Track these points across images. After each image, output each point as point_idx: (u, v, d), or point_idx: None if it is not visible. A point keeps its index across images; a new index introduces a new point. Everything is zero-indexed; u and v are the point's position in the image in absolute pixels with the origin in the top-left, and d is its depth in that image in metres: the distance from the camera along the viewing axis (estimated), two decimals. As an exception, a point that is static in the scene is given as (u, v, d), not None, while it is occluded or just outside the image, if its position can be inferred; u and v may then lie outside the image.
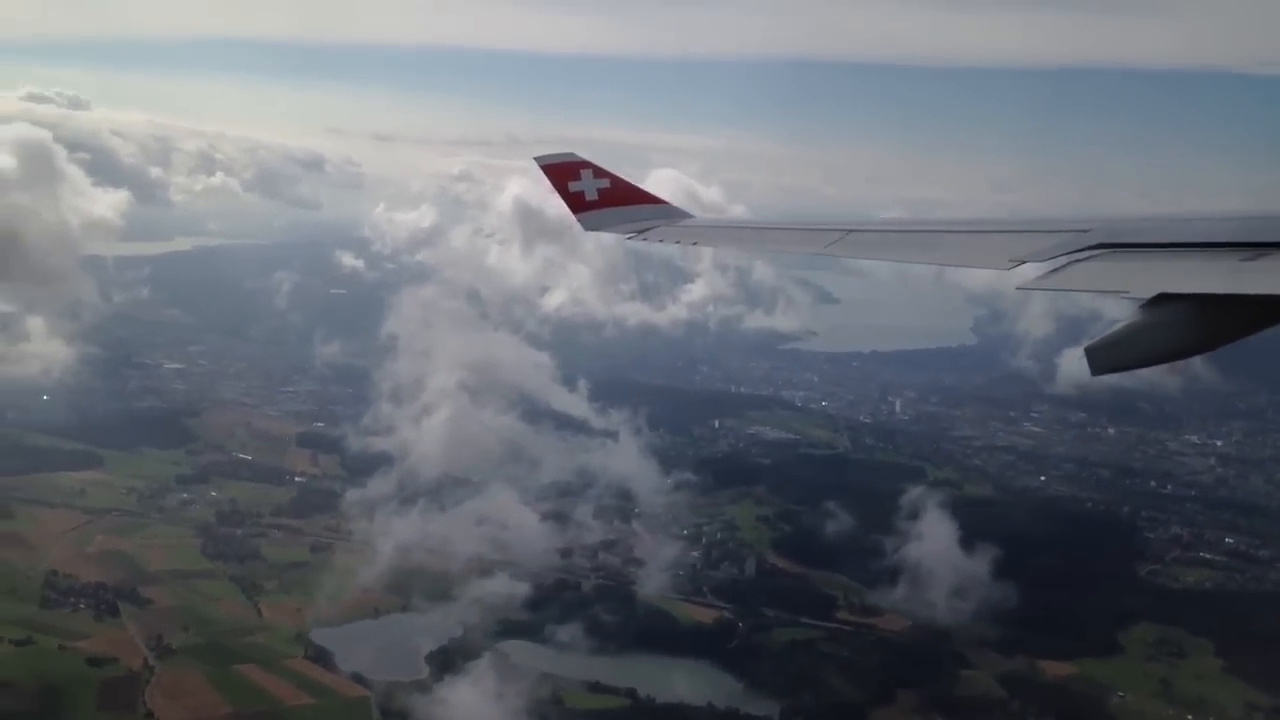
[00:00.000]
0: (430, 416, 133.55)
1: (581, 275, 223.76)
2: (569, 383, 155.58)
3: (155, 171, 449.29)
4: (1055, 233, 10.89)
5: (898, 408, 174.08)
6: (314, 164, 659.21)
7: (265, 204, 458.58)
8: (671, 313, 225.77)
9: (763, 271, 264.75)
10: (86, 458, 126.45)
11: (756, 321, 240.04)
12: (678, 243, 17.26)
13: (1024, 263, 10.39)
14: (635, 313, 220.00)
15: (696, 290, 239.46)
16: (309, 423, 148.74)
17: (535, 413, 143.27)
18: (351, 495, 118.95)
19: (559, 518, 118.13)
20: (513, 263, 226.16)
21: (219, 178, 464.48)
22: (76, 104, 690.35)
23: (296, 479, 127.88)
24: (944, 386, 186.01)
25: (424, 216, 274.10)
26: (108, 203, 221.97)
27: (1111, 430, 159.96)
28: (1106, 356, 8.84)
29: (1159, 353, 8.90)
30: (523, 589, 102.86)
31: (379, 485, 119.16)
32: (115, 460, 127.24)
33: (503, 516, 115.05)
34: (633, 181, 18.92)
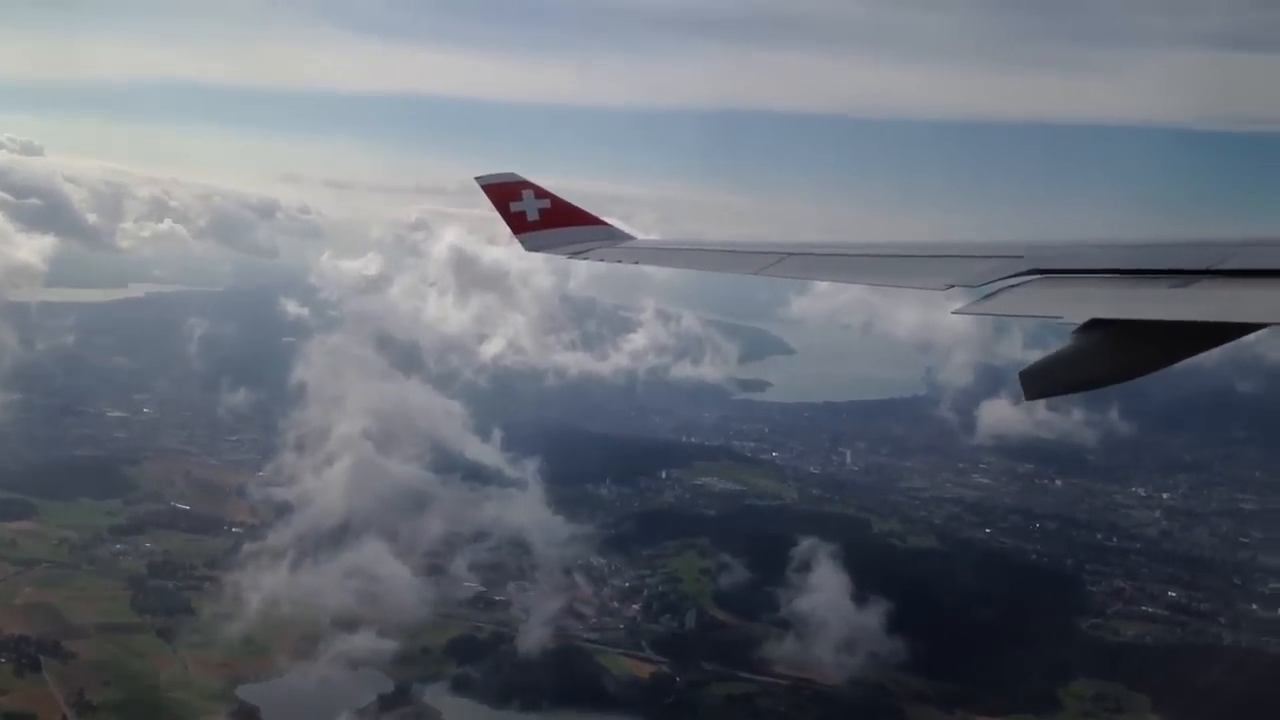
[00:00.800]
0: (334, 465, 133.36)
1: (519, 324, 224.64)
2: (508, 431, 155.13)
3: (95, 218, 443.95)
4: (989, 258, 10.92)
5: (848, 459, 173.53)
6: (269, 211, 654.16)
7: (220, 250, 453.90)
8: (614, 362, 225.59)
9: (714, 321, 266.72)
10: (20, 507, 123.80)
11: (708, 372, 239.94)
12: (619, 262, 17.17)
13: (957, 286, 10.48)
14: (576, 362, 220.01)
15: (640, 340, 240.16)
16: (250, 472, 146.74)
17: (446, 463, 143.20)
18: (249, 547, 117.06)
19: (438, 570, 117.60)
20: (451, 311, 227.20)
21: (167, 224, 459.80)
22: (29, 149, 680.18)
23: (234, 529, 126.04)
24: (895, 437, 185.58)
25: (370, 264, 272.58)
26: (32, 248, 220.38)
27: (1059, 482, 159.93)
28: (1039, 382, 9.08)
29: (1091, 378, 9.14)
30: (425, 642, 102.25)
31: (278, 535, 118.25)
32: (49, 510, 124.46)
33: (377, 569, 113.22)
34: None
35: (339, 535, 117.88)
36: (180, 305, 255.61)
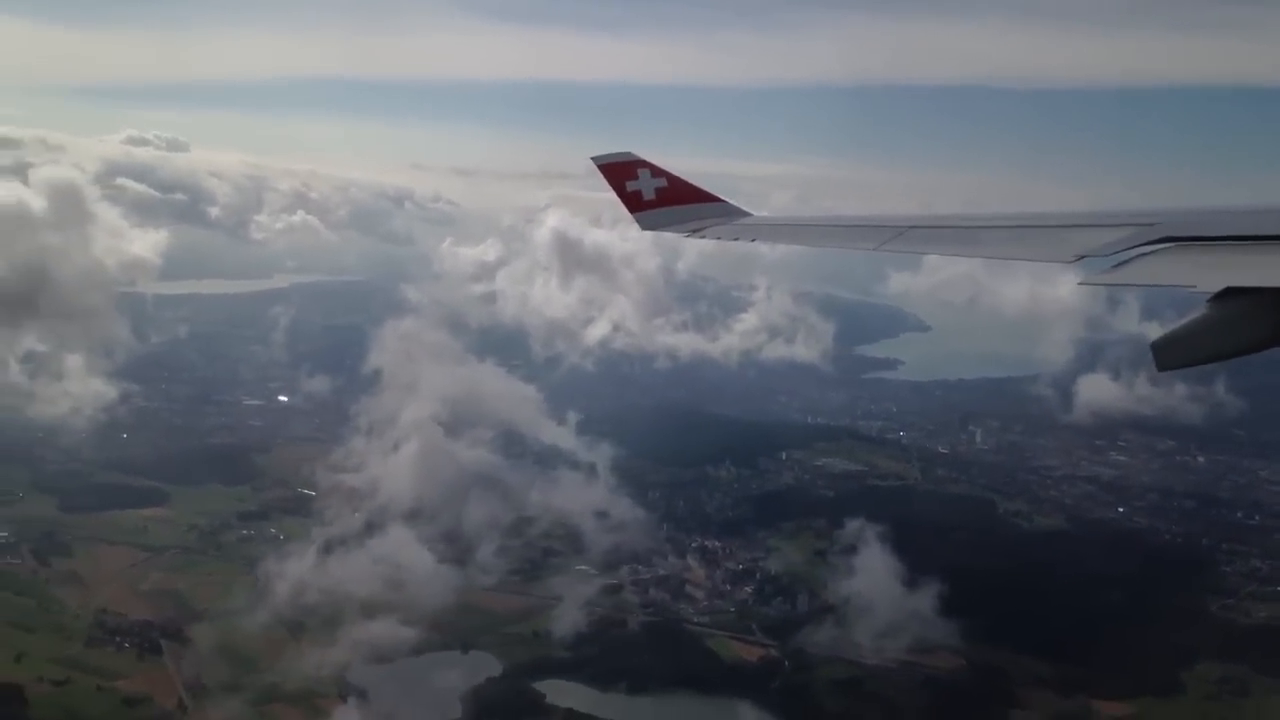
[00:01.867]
0: (408, 450, 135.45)
1: (629, 306, 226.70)
2: (617, 414, 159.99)
3: (238, 211, 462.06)
4: (1121, 226, 10.74)
5: (978, 437, 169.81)
6: (404, 200, 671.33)
7: (360, 240, 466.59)
8: (734, 343, 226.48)
9: (844, 299, 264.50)
10: (153, 494, 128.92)
11: (835, 350, 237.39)
12: (735, 239, 17.22)
13: (1087, 257, 10.34)
14: (691, 343, 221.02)
15: (760, 319, 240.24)
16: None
17: (527, 448, 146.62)
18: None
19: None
20: (560, 295, 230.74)
21: (300, 216, 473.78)
22: (175, 146, 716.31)
23: (356, 514, 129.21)
24: (1030, 414, 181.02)
25: (489, 250, 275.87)
26: (147, 243, 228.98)
27: (1201, 459, 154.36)
28: (1173, 352, 8.88)
29: (1226, 348, 8.85)
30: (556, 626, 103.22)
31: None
32: (182, 496, 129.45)
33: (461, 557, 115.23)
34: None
35: (414, 520, 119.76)
36: (318, 295, 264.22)
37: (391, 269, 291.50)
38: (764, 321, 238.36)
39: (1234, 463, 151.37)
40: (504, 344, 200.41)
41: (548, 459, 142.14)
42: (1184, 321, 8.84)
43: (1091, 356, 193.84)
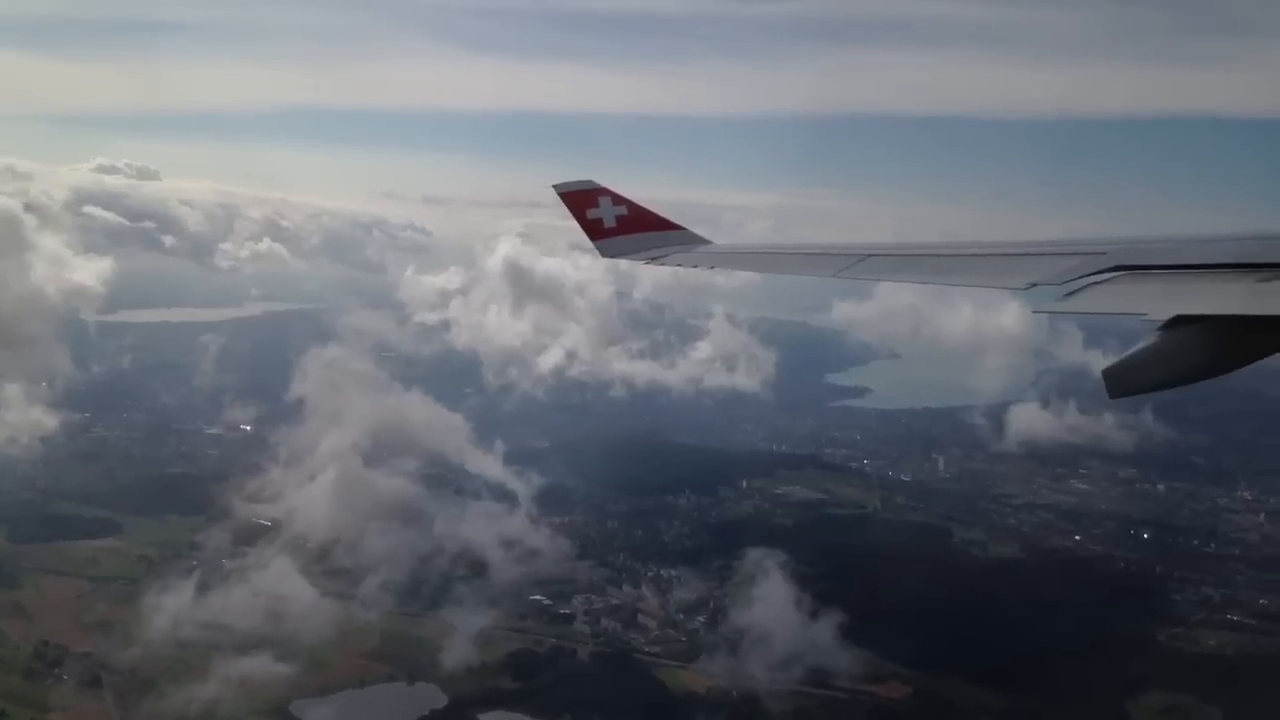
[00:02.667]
0: (324, 480, 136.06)
1: (584, 335, 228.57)
2: (572, 443, 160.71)
3: (206, 239, 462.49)
4: (1072, 255, 10.96)
5: (941, 465, 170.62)
6: (377, 228, 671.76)
7: (333, 268, 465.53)
8: (698, 372, 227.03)
9: (811, 328, 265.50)
10: (106, 525, 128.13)
11: (804, 379, 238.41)
12: (695, 267, 17.59)
13: (1040, 285, 10.55)
14: (649, 371, 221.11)
15: (726, 348, 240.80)
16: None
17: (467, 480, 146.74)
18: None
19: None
20: (514, 324, 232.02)
21: (266, 244, 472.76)
22: (146, 174, 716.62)
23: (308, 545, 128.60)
24: (992, 442, 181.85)
25: (452, 278, 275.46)
26: (91, 271, 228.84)
27: (1161, 486, 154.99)
28: (1124, 379, 9.09)
29: (1176, 375, 9.07)
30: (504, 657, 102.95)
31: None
32: (136, 527, 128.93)
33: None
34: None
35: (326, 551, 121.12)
36: (285, 323, 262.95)
37: (360, 297, 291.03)
38: (723, 350, 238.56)
39: (1193, 490, 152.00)
40: (457, 372, 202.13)
41: (494, 490, 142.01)
42: (1134, 350, 9.08)
43: (1051, 384, 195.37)
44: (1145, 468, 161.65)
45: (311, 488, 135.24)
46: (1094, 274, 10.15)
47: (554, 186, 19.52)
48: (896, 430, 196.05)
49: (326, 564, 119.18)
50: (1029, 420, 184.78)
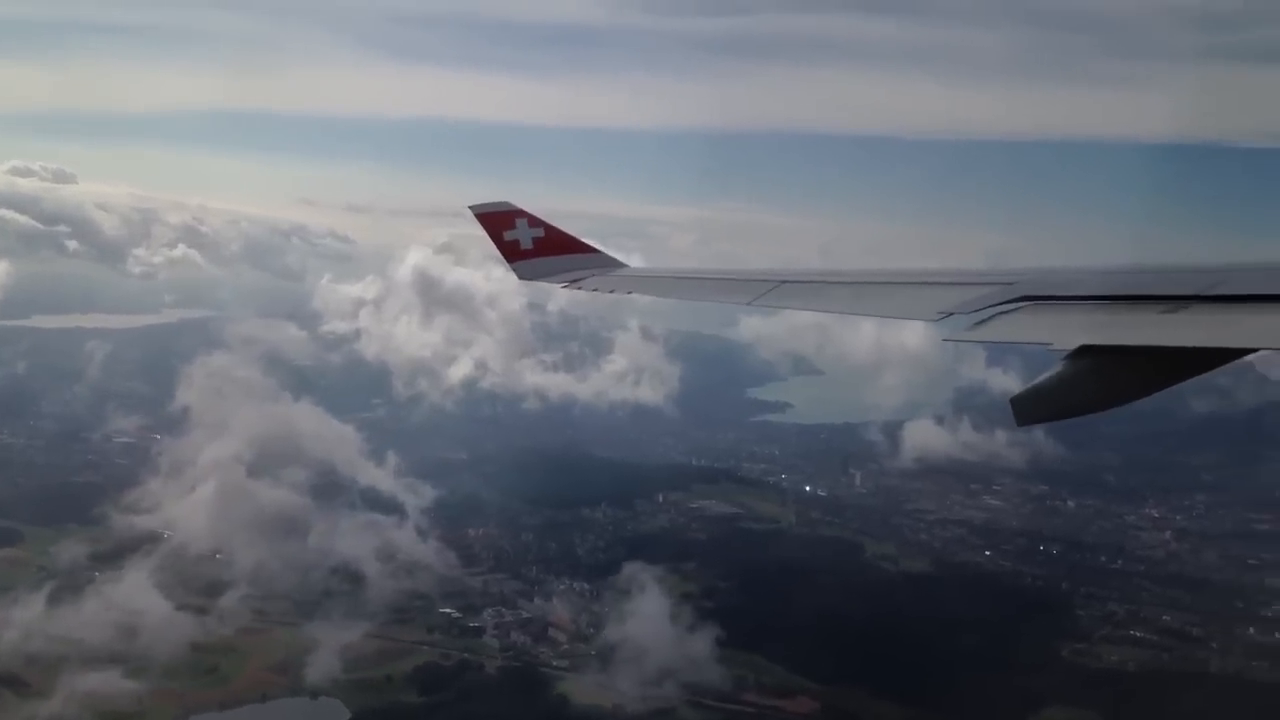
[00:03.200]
0: (207, 491, 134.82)
1: (498, 347, 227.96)
2: (490, 456, 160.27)
3: (119, 244, 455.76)
4: (982, 285, 11.19)
5: (857, 481, 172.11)
6: (299, 235, 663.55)
7: (252, 275, 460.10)
8: (602, 384, 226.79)
9: (731, 342, 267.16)
10: (7, 534, 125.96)
11: (725, 394, 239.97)
12: (611, 291, 17.46)
13: (951, 315, 10.75)
14: (560, 384, 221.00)
15: (643, 360, 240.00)
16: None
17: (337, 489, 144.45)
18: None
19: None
20: (423, 334, 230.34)
21: (180, 250, 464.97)
22: (61, 177, 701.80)
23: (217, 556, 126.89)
24: (910, 458, 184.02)
25: (369, 288, 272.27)
26: (49, 273, 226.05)
27: (1071, 503, 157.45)
28: (1031, 407, 9.22)
29: (1082, 404, 9.21)
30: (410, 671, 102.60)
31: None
32: (36, 537, 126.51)
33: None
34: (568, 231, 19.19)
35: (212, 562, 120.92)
36: (192, 331, 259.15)
37: (274, 305, 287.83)
38: (639, 364, 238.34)
39: (1103, 508, 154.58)
40: (366, 383, 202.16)
41: (400, 503, 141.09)
42: (1041, 379, 9.21)
43: (966, 402, 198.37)
44: (1056, 485, 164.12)
45: (203, 498, 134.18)
46: (1002, 303, 10.41)
47: (470, 207, 19.55)
48: (815, 445, 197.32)
49: (213, 575, 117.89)
50: (943, 437, 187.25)
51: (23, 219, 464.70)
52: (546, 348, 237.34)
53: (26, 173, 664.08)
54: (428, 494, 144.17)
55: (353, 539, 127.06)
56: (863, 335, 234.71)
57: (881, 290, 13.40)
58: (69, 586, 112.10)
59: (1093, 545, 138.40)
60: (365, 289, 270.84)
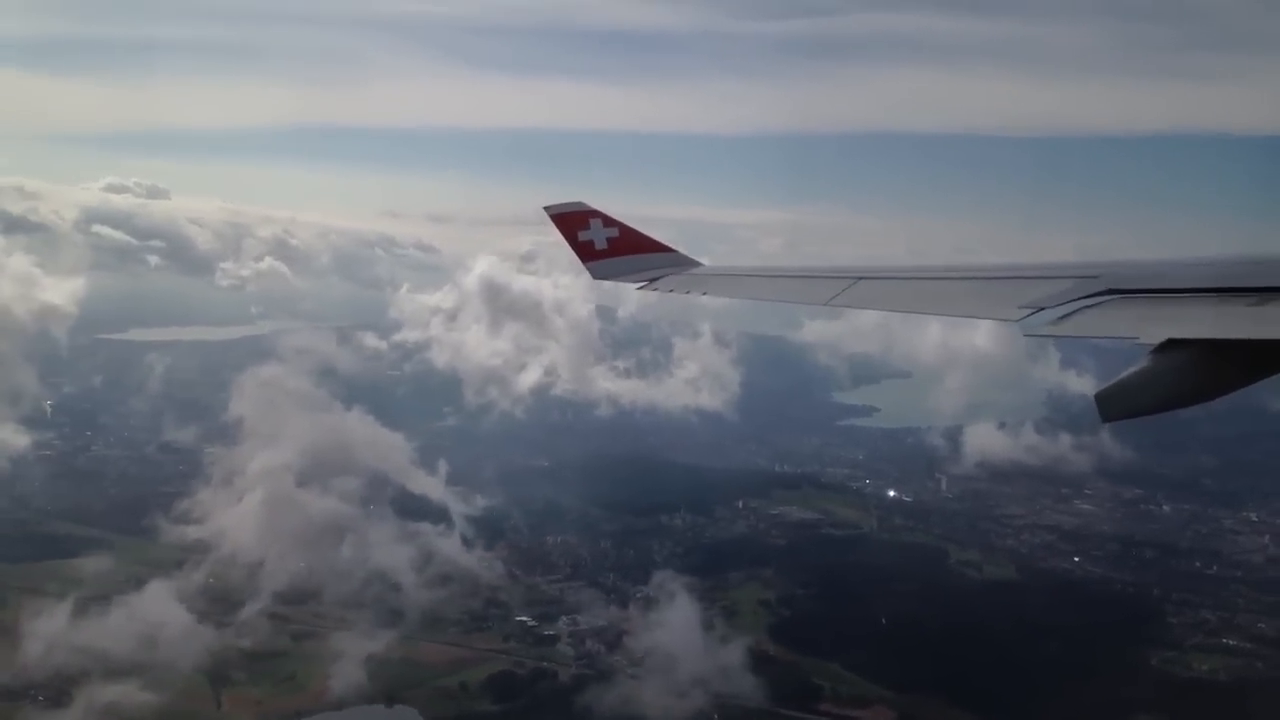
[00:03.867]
0: (259, 501, 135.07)
1: (563, 354, 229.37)
2: (571, 460, 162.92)
3: (211, 258, 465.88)
4: (1064, 279, 11.08)
5: (943, 485, 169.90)
6: (388, 246, 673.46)
7: (343, 286, 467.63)
8: (677, 389, 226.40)
9: (819, 346, 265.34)
10: (99, 543, 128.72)
11: (812, 397, 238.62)
12: (686, 291, 17.58)
13: (1034, 310, 10.60)
14: (637, 390, 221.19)
15: (722, 366, 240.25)
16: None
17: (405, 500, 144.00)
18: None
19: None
20: (493, 342, 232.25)
21: (267, 262, 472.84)
22: (155, 193, 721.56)
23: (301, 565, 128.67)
24: (999, 461, 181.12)
25: (446, 297, 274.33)
26: (62, 291, 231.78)
27: (1166, 508, 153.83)
28: (1116, 403, 9.15)
29: (1169, 398, 9.10)
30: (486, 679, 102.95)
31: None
32: (125, 546, 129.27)
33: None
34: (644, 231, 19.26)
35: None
36: (276, 342, 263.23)
37: (360, 315, 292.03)
38: (715, 368, 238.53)
39: (1199, 512, 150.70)
40: (440, 391, 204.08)
41: (480, 512, 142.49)
42: (1126, 373, 9.11)
43: (1058, 405, 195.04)
44: (1151, 489, 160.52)
45: (288, 509, 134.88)
46: (1086, 297, 10.28)
47: (545, 208, 19.57)
48: (900, 450, 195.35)
49: (300, 584, 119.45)
50: (1033, 440, 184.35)
51: (118, 234, 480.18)
52: (618, 354, 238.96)
53: (121, 189, 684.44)
54: (506, 502, 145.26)
55: (436, 547, 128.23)
56: (946, 336, 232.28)
57: (962, 286, 13.21)
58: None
59: (1187, 550, 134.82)
60: (443, 298, 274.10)
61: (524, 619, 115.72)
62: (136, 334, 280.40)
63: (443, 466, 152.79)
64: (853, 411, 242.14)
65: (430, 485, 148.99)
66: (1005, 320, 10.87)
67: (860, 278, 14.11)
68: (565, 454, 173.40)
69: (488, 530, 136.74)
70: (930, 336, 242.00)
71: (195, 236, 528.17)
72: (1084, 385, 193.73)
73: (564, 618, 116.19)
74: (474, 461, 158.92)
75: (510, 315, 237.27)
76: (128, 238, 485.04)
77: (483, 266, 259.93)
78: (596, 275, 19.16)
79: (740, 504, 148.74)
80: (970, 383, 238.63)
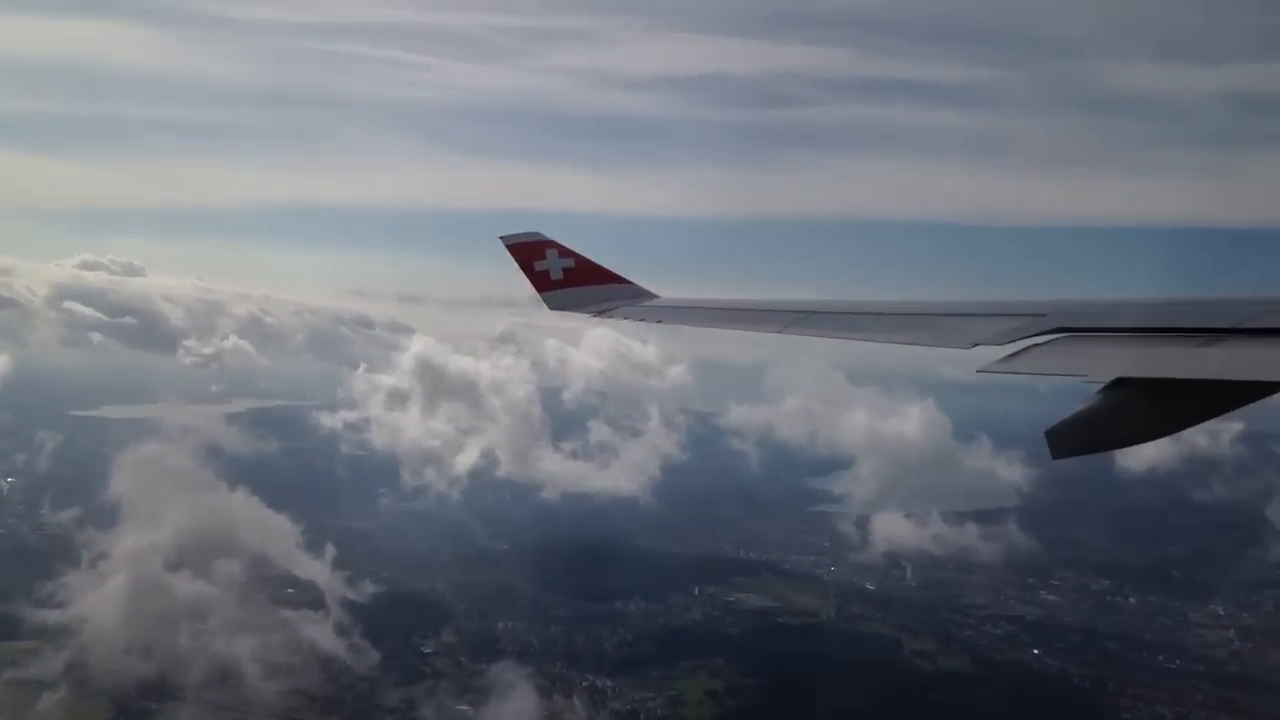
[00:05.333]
0: (123, 585, 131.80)
1: (506, 435, 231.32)
2: (519, 544, 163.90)
3: (180, 334, 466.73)
4: (1014, 316, 11.34)
5: (908, 574, 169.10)
6: (362, 325, 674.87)
7: (319, 365, 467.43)
8: (635, 472, 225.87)
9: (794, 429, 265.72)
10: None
11: (781, 482, 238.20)
12: (642, 320, 17.73)
13: (982, 345, 10.88)
14: (587, 473, 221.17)
15: (651, 449, 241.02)
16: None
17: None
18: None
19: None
20: (433, 423, 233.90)
21: (231, 340, 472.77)
22: (130, 270, 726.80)
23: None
24: (967, 550, 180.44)
25: (402, 378, 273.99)
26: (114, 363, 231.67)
27: (1133, 599, 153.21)
28: (1066, 440, 9.28)
29: (1117, 437, 9.54)
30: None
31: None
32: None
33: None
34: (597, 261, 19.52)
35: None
36: (233, 421, 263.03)
37: (324, 395, 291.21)
38: (665, 450, 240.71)
39: (1165, 604, 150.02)
40: (375, 472, 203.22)
41: (412, 596, 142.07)
42: (1076, 411, 9.24)
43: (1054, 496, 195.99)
44: (1119, 580, 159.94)
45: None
46: (1035, 335, 10.42)
47: (501, 238, 19.84)
48: (869, 536, 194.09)
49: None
50: (1005, 530, 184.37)
51: (88, 311, 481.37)
52: (563, 435, 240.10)
53: (96, 266, 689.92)
54: (457, 584, 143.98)
55: (312, 634, 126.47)
56: (915, 424, 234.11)
57: (911, 320, 13.50)
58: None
59: (1150, 644, 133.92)
60: (399, 378, 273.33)
61: (464, 707, 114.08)
62: (109, 410, 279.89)
63: (329, 550, 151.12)
64: (823, 497, 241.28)
65: (317, 569, 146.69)
66: (956, 349, 11.10)
67: (813, 311, 14.47)
68: (507, 537, 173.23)
69: (442, 612, 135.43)
70: (903, 428, 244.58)
71: (168, 314, 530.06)
72: (1054, 472, 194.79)
73: (507, 704, 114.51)
74: (410, 544, 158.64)
75: (447, 396, 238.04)
76: (98, 314, 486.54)
77: (418, 347, 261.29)
78: (552, 306, 19.41)
79: (697, 590, 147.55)
80: (942, 470, 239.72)
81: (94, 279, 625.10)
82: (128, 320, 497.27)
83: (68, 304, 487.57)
